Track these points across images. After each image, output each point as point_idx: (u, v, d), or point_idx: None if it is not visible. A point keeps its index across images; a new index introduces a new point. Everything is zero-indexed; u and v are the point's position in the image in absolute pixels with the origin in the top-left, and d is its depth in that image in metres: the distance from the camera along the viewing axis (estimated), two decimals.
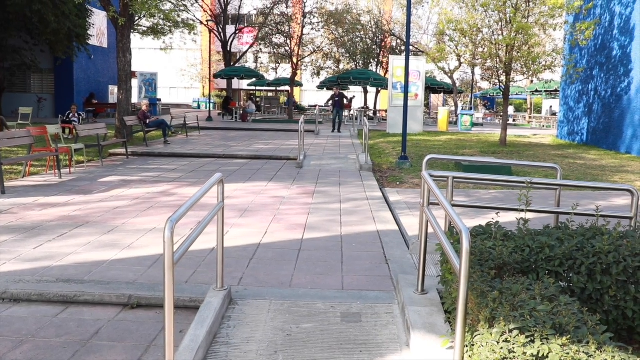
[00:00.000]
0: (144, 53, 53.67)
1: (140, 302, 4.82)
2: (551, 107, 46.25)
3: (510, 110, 45.95)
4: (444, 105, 50.67)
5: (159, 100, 37.60)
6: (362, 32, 41.07)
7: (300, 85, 47.57)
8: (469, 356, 3.18)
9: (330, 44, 40.51)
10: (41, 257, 5.91)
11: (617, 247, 4.06)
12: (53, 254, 6.03)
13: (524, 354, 2.74)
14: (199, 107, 53.13)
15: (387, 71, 35.96)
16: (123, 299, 4.84)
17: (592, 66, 22.49)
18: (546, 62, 19.40)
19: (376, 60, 42.42)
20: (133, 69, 19.22)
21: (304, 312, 4.51)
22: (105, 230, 7.17)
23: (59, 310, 4.70)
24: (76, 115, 21.02)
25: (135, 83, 32.11)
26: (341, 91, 26.55)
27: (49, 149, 12.34)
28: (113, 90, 33.54)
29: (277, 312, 4.51)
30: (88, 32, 28.49)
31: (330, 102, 26.71)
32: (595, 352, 2.68)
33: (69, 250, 6.19)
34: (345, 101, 28.10)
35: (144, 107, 18.74)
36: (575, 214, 4.83)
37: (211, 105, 38.36)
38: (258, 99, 45.35)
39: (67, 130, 18.29)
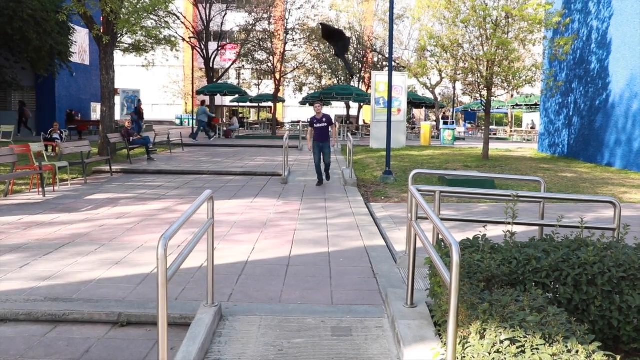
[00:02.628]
0: (126, 70, 53.61)
1: (130, 320, 4.81)
2: (532, 120, 46.86)
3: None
4: (426, 120, 51.12)
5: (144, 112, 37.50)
6: None
7: (283, 101, 47.75)
8: None
9: (312, 60, 40.77)
10: (28, 276, 5.87)
11: (601, 258, 4.14)
12: (40, 273, 5.99)
13: None
14: (181, 123, 53.07)
15: (369, 87, 36.24)
16: (113, 317, 4.82)
17: (572, 79, 22.87)
18: (526, 76, 19.71)
19: (358, 75, 42.72)
20: (115, 86, 19.17)
21: (294, 327, 4.53)
22: (93, 248, 7.14)
23: (47, 330, 4.67)
24: (58, 132, 20.92)
25: (117, 100, 32.04)
26: (325, 113, 13.21)
27: (32, 167, 12.26)
28: (95, 107, 33.39)
29: (267, 327, 4.52)
30: (70, 49, 28.40)
31: (310, 128, 13.30)
32: None
33: (56, 269, 6.15)
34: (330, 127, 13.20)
35: (126, 125, 18.71)
36: (560, 226, 4.92)
37: (194, 121, 38.35)
38: (241, 115, 45.41)
39: (50, 148, 18.18)
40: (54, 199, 10.93)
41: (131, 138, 18.03)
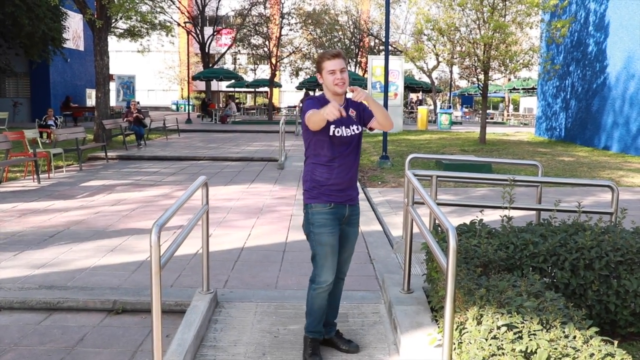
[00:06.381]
0: (121, 55, 53.26)
1: (126, 307, 4.78)
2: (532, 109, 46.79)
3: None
4: (420, 104, 50.89)
5: (138, 102, 37.31)
6: (340, 32, 41.11)
7: (279, 86, 47.55)
8: (457, 354, 3.20)
9: (309, 45, 40.50)
10: (22, 264, 5.83)
11: (599, 242, 4.12)
12: (35, 261, 5.95)
13: (513, 350, 2.76)
14: (177, 109, 52.85)
15: (365, 71, 36.06)
16: (108, 304, 4.79)
17: (569, 62, 22.77)
18: (523, 60, 19.61)
19: (355, 60, 42.48)
20: (110, 71, 19.02)
21: (290, 314, 4.50)
22: (88, 235, 7.10)
23: (42, 318, 4.64)
24: (53, 119, 20.79)
25: (113, 86, 31.82)
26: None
27: (27, 154, 12.18)
28: (91, 93, 33.19)
29: (263, 314, 4.49)
30: (63, 35, 28.14)
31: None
32: (582, 346, 2.71)
33: (50, 257, 6.11)
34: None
35: (132, 107, 18.69)
36: (558, 210, 4.89)
37: (190, 107, 38.17)
38: (238, 100, 45.22)
39: (44, 135, 18.07)
40: (49, 186, 10.87)
41: (143, 118, 18.13)
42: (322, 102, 3.63)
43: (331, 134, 3.61)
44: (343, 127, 3.64)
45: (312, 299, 3.73)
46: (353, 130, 3.69)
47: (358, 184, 11.02)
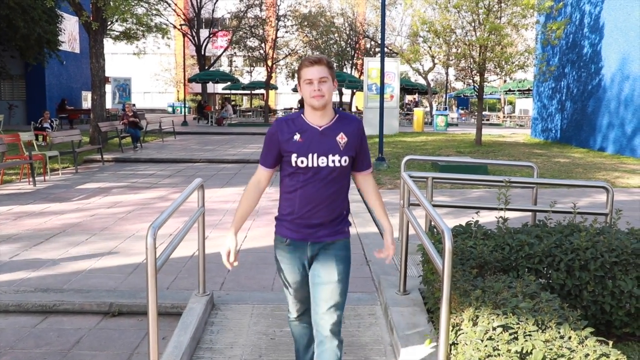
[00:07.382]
0: (117, 58, 53.16)
1: (122, 310, 4.77)
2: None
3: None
4: (416, 106, 50.95)
5: (134, 105, 37.31)
6: (336, 35, 41.16)
7: (275, 88, 47.54)
8: (453, 355, 3.21)
9: (305, 47, 40.54)
10: (18, 267, 5.81)
11: (594, 243, 4.13)
12: (30, 263, 5.94)
13: (508, 351, 2.77)
14: (174, 111, 52.80)
15: (361, 73, 36.10)
16: (104, 307, 4.79)
17: (564, 64, 22.84)
18: (519, 61, 19.66)
19: (351, 62, 42.54)
20: (106, 74, 19.02)
21: (286, 316, 4.49)
22: (84, 237, 7.08)
23: (38, 321, 4.63)
24: (49, 121, 20.76)
25: (109, 88, 31.81)
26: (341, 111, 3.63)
27: (22, 157, 12.15)
28: (86, 96, 33.14)
29: (260, 316, 4.50)
30: (59, 37, 28.09)
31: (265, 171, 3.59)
32: (577, 346, 2.72)
33: (46, 259, 6.10)
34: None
35: (127, 109, 18.66)
36: (553, 212, 4.91)
37: (186, 109, 38.14)
38: (234, 102, 45.20)
39: (40, 137, 18.04)
40: (45, 189, 10.85)
41: (138, 120, 18.10)
42: (292, 127, 2.89)
43: (294, 164, 2.86)
44: (313, 156, 2.84)
45: (289, 326, 3.37)
46: (333, 162, 2.85)
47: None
